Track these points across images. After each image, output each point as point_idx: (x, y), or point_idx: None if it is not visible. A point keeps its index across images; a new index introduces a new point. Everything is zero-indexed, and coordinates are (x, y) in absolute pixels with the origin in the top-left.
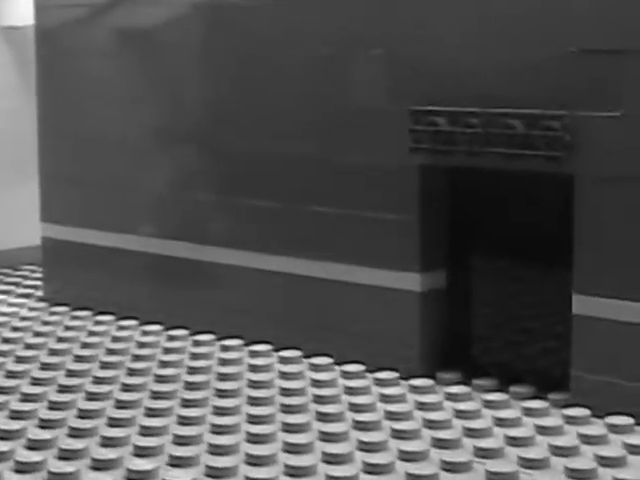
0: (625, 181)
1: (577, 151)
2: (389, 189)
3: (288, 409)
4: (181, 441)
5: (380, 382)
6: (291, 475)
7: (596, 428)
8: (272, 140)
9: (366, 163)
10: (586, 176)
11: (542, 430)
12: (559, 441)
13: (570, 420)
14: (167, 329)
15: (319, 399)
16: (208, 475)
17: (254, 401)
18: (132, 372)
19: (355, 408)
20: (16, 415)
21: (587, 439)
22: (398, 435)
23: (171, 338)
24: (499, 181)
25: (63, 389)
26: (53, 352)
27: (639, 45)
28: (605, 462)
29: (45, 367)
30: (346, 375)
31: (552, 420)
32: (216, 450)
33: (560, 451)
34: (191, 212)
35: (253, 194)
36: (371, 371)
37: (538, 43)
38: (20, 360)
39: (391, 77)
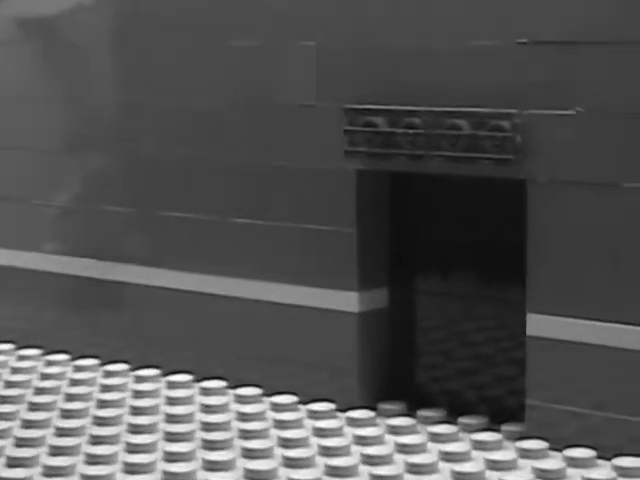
0: (582, 187)
1: (529, 154)
2: (322, 197)
3: (210, 445)
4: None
5: (314, 414)
6: None
7: (553, 462)
8: (191, 145)
9: (295, 168)
10: (539, 181)
11: (494, 465)
12: (512, 476)
13: (525, 453)
14: (74, 359)
15: (245, 434)
16: None
17: (172, 437)
18: (34, 407)
19: (286, 443)
20: None
21: (543, 474)
22: (334, 472)
23: (79, 369)
24: (446, 188)
25: None
26: None
27: (595, 36)
28: None
29: None
30: (276, 407)
31: (505, 454)
32: None
33: None
34: (102, 226)
35: (171, 205)
36: (304, 402)
37: (485, 33)
38: None
39: (322, 71)
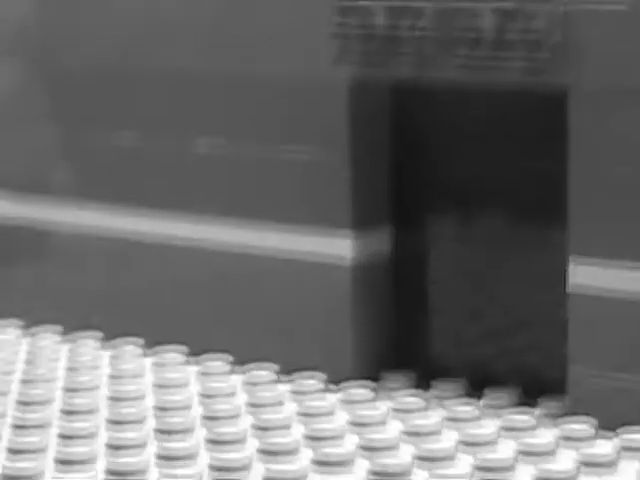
0: (638, 96)
1: (570, 57)
2: (306, 115)
3: (167, 429)
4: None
5: (300, 390)
6: None
7: (602, 447)
8: (137, 48)
9: (273, 77)
10: (584, 91)
11: (528, 451)
12: (551, 466)
13: (567, 437)
14: None
15: (211, 417)
16: None
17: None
18: None
19: (264, 425)
20: None
21: (590, 461)
22: (324, 463)
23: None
24: (463, 102)
25: None
26: None
27: None
28: None
29: None
30: (251, 382)
31: (542, 438)
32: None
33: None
34: (24, 155)
35: (109, 127)
36: (287, 374)
37: None
38: None
39: None
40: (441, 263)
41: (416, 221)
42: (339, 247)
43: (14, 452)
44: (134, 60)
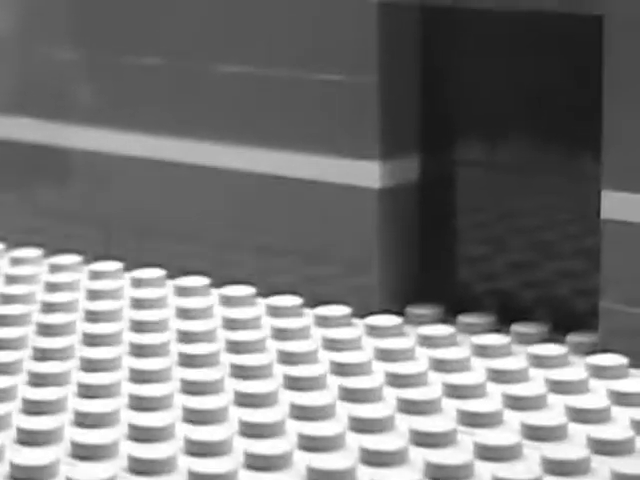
0: None
1: None
2: (332, 37)
3: (188, 361)
4: None
5: (324, 321)
6: None
7: (635, 383)
8: None
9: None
10: (620, 17)
11: (558, 386)
12: (581, 401)
13: (598, 372)
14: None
15: (235, 347)
16: None
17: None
18: None
19: (288, 359)
20: None
21: (622, 398)
22: (349, 395)
23: (17, 261)
24: (495, 25)
25: None
26: None
27: None
28: None
29: None
30: (274, 312)
31: (572, 372)
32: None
33: (581, 416)
34: (41, 75)
35: (134, 48)
36: (310, 306)
37: None
38: None
39: None
40: (468, 190)
41: (444, 147)
42: (368, 172)
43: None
44: None
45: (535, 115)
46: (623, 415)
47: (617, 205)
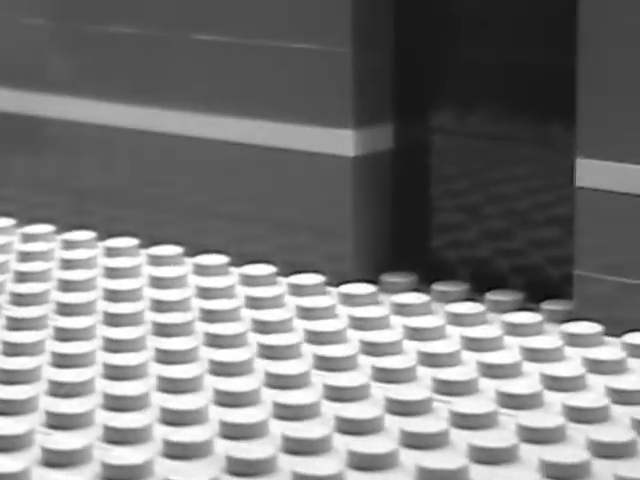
0: None
1: None
2: (307, 7)
3: (162, 330)
4: None
5: (298, 290)
6: None
7: (609, 351)
8: None
9: None
10: None
11: (533, 354)
12: (556, 369)
13: (573, 340)
14: None
15: (209, 316)
16: None
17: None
18: None
19: (262, 328)
20: None
21: (596, 366)
22: (325, 364)
23: None
24: None
25: None
26: None
27: None
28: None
29: None
30: (248, 280)
31: (547, 340)
32: None
33: (554, 384)
34: (17, 44)
35: (109, 18)
36: (284, 274)
37: None
38: None
39: None
40: (441, 158)
41: (417, 115)
42: (341, 140)
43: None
44: None
45: (508, 83)
46: (598, 383)
47: (591, 173)
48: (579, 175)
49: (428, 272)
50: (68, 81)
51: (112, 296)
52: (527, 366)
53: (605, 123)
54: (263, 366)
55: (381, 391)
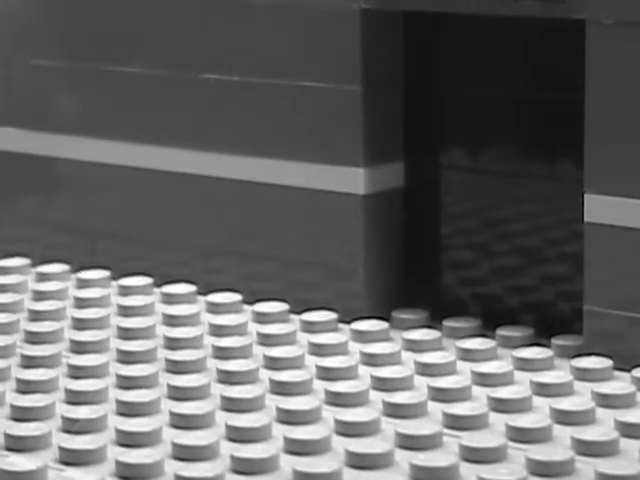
0: None
1: None
2: (317, 45)
3: (174, 367)
4: None
5: (310, 326)
6: None
7: (619, 385)
8: None
9: (282, 5)
10: (603, 23)
11: (543, 389)
12: (566, 403)
13: (582, 374)
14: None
15: (221, 354)
16: None
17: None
18: None
19: (274, 365)
20: None
21: (606, 400)
22: (336, 400)
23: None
24: (478, 32)
25: None
26: None
27: None
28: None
29: None
30: (260, 318)
31: (557, 375)
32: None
33: (563, 418)
34: (28, 84)
35: (119, 58)
36: (296, 312)
37: None
38: None
39: None
40: (452, 196)
41: (428, 153)
42: (352, 178)
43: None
44: None
45: (518, 121)
46: (607, 416)
47: (599, 208)
48: (588, 210)
49: (439, 309)
50: (79, 121)
51: (125, 334)
52: (537, 400)
53: (612, 158)
54: (275, 402)
55: (392, 426)
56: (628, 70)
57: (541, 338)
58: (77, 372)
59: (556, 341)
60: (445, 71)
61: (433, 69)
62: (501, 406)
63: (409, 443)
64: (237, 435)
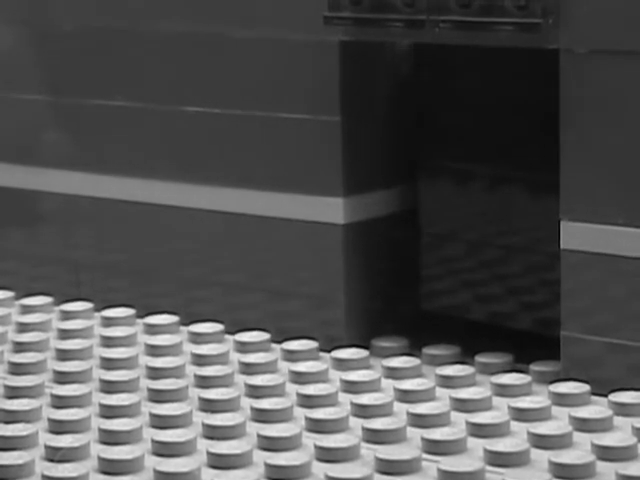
0: (632, 58)
1: (563, 17)
2: (297, 77)
3: (156, 396)
4: None
5: (290, 355)
6: None
7: (596, 410)
8: (129, 13)
9: (263, 39)
10: (576, 52)
11: (521, 414)
12: (544, 428)
13: (560, 399)
14: None
15: (203, 383)
16: None
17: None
18: None
19: (255, 392)
20: None
21: (584, 424)
22: (317, 427)
23: None
24: (455, 62)
25: None
26: None
27: None
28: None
29: None
30: (242, 347)
31: (536, 400)
32: None
33: (544, 443)
34: (11, 118)
35: (101, 92)
36: (277, 341)
37: None
38: None
39: None
40: (434, 225)
41: (409, 182)
42: (332, 209)
43: None
44: (122, 24)
45: (496, 150)
46: (585, 440)
47: (577, 236)
48: (564, 238)
49: (419, 336)
50: (63, 155)
51: (108, 364)
52: (515, 425)
53: (587, 186)
54: (256, 429)
55: (371, 452)
56: (602, 98)
57: (519, 364)
58: (60, 402)
59: (534, 367)
60: (423, 100)
61: (412, 98)
62: (479, 431)
63: (388, 468)
64: (219, 462)
